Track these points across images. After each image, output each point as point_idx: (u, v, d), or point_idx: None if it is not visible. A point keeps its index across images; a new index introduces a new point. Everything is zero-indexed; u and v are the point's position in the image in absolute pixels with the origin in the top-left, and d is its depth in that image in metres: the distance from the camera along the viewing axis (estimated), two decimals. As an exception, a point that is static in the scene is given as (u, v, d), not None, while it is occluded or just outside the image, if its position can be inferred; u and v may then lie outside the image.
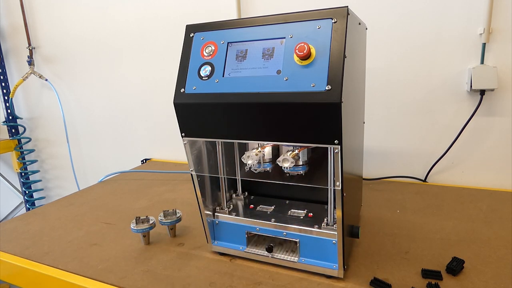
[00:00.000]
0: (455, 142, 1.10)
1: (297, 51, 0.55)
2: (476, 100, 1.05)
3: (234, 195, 0.85)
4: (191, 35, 0.66)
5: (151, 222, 0.82)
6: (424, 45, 1.08)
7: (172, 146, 1.58)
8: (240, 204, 0.82)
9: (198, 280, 0.68)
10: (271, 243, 0.71)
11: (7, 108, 1.89)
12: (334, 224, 0.68)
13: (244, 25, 0.62)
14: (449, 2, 1.03)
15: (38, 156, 1.99)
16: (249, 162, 0.67)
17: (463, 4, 1.02)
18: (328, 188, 0.66)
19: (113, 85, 1.64)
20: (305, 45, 0.54)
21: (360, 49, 0.72)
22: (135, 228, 0.80)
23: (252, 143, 0.71)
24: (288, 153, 0.63)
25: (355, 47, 0.65)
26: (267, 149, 0.70)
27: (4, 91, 1.89)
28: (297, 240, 0.69)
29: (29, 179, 2.00)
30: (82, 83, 1.72)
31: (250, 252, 0.73)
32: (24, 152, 1.95)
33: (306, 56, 0.55)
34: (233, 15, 1.29)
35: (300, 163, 0.67)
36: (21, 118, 1.94)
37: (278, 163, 0.64)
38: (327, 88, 0.53)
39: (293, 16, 0.59)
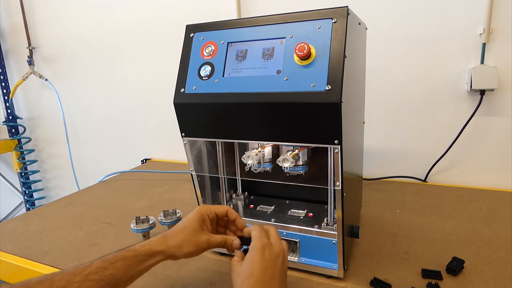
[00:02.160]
0: (455, 142, 1.10)
1: (297, 51, 0.55)
2: (476, 100, 1.05)
3: (234, 195, 0.85)
4: (191, 35, 0.66)
5: (151, 222, 0.82)
6: (424, 45, 1.08)
7: (172, 146, 1.58)
8: (240, 204, 0.82)
9: (198, 280, 0.68)
10: (271, 243, 0.71)
11: (7, 108, 1.89)
12: (334, 224, 0.68)
13: (244, 25, 0.62)
14: (449, 2, 1.03)
15: (38, 156, 1.99)
16: (249, 162, 0.67)
17: (463, 4, 1.02)
18: (328, 188, 0.66)
19: (113, 85, 1.64)
20: (305, 45, 0.54)
21: (360, 49, 0.72)
22: (135, 228, 0.80)
23: (252, 143, 0.71)
24: (288, 153, 0.63)
25: (355, 47, 0.65)
26: (267, 149, 0.70)
27: (4, 91, 1.89)
28: (297, 240, 0.69)
29: (29, 179, 2.00)
30: (82, 83, 1.72)
31: (250, 252, 0.72)
32: (24, 152, 1.95)
33: (306, 56, 0.55)
34: (233, 15, 1.29)
35: (300, 163, 0.67)
36: (21, 118, 1.94)
37: (278, 163, 0.64)
38: (327, 88, 0.53)
39: (293, 16, 0.59)
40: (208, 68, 0.63)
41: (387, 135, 1.20)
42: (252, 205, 0.80)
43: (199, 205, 0.75)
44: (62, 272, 0.48)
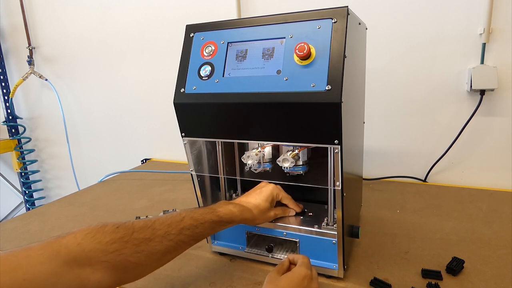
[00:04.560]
0: (455, 142, 1.10)
1: (297, 51, 0.55)
2: (476, 100, 1.05)
3: (234, 195, 0.85)
4: (191, 35, 0.66)
5: (151, 222, 0.81)
6: (424, 45, 1.08)
7: (172, 146, 1.58)
8: (240, 204, 0.82)
9: (198, 280, 0.68)
10: (271, 243, 0.71)
11: (7, 108, 1.89)
12: (334, 224, 0.68)
13: (244, 25, 0.62)
14: (449, 2, 1.03)
15: (38, 156, 1.99)
16: (249, 162, 0.67)
17: (463, 4, 1.02)
18: (328, 188, 0.66)
19: (113, 85, 1.64)
20: (305, 45, 0.54)
21: (360, 49, 0.72)
22: (135, 228, 0.80)
23: (252, 143, 0.71)
24: (288, 153, 0.63)
25: (355, 47, 0.65)
26: (267, 149, 0.70)
27: (4, 91, 1.89)
28: (297, 240, 0.69)
29: (29, 179, 2.00)
30: (82, 83, 1.72)
31: (250, 252, 0.73)
32: (24, 152, 1.95)
33: (306, 56, 0.55)
34: (233, 15, 1.29)
35: (300, 163, 0.67)
36: (21, 118, 1.94)
37: (278, 163, 0.64)
38: (327, 88, 0.53)
39: (293, 16, 0.59)
40: (208, 68, 0.63)
41: (387, 135, 1.20)
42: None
43: (199, 205, 0.75)
44: (159, 219, 0.55)
